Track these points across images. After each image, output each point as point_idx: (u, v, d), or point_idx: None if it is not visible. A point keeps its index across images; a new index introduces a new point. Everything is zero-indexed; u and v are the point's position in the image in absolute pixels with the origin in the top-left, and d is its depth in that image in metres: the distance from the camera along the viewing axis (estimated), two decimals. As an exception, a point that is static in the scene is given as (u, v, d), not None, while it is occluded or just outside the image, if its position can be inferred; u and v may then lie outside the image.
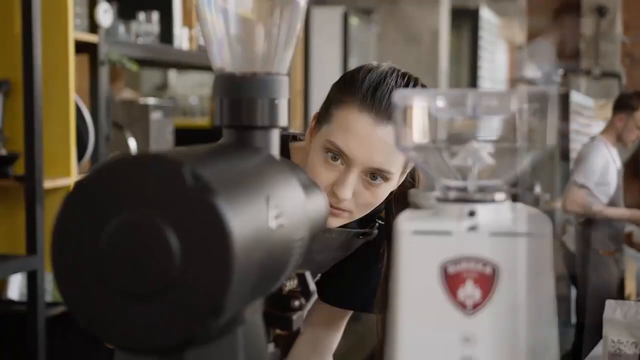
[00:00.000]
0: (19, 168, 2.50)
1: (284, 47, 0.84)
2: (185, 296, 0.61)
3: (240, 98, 0.82)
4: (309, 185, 0.87)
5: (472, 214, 0.69)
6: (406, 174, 1.37)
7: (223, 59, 0.84)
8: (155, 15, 3.20)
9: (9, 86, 2.51)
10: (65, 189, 2.63)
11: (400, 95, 0.72)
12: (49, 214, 2.55)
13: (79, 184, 0.64)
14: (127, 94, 4.05)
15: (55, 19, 2.58)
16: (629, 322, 1.92)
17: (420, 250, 0.68)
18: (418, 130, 0.73)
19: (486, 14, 8.04)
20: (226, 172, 0.67)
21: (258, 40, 0.83)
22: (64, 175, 2.61)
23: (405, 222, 0.69)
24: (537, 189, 6.84)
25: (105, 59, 2.77)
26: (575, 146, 7.78)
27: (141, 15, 3.18)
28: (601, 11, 9.65)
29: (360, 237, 1.46)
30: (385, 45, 5.94)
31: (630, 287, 5.10)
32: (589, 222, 4.46)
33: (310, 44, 4.79)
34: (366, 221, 1.44)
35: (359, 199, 1.30)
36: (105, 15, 2.75)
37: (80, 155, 2.70)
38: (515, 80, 9.54)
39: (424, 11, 5.79)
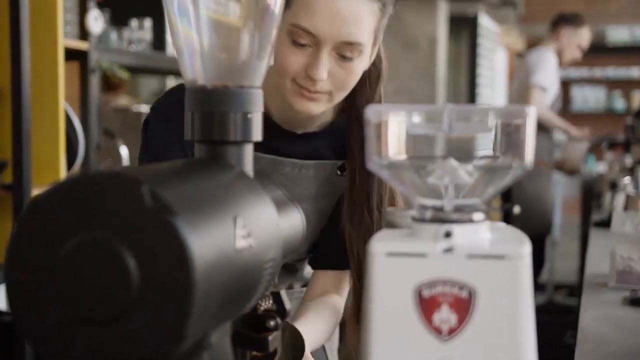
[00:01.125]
0: (6, 176, 2.47)
1: (257, 59, 0.81)
2: (144, 322, 0.58)
3: (212, 112, 0.79)
4: (284, 203, 0.84)
5: (448, 235, 0.66)
6: (377, 47, 1.35)
7: (195, 71, 0.81)
8: (147, 22, 3.17)
9: (-2, 93, 2.48)
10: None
11: (373, 110, 0.69)
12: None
13: (35, 202, 0.61)
14: (123, 100, 4.02)
15: (44, 26, 2.55)
16: None
17: (393, 272, 0.65)
18: (393, 147, 0.70)
19: (485, 22, 8.02)
20: (190, 191, 0.64)
21: (230, 52, 0.81)
22: (53, 183, 2.58)
23: (379, 244, 0.66)
24: None
25: (95, 66, 2.74)
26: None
27: (133, 22, 3.16)
28: None
29: (339, 172, 1.44)
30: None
31: None
32: None
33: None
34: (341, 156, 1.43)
35: (335, 78, 1.27)
36: (95, 22, 2.72)
37: (70, 164, 2.67)
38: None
39: (422, 18, 5.76)
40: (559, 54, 4.57)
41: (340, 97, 1.31)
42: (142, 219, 0.58)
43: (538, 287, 5.15)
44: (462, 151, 0.70)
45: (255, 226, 0.70)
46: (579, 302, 1.71)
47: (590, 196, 4.68)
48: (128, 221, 0.58)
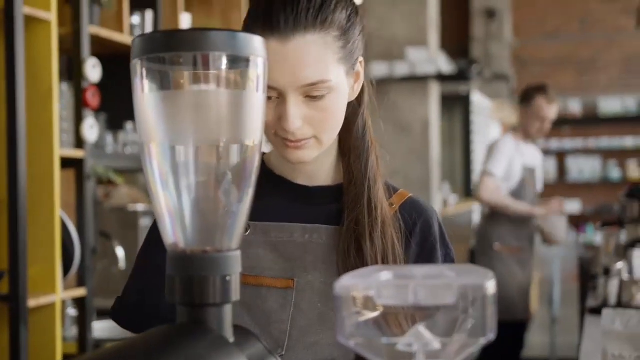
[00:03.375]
0: (3, 287, 2.49)
1: (234, 224, 0.85)
2: None
3: (192, 276, 0.82)
4: (262, 358, 0.86)
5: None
6: (358, 74, 1.28)
7: (175, 235, 0.84)
8: (142, 125, 3.24)
9: (-5, 203, 2.52)
10: (50, 307, 2.62)
11: (341, 286, 0.72)
12: (33, 333, 2.54)
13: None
14: (124, 190, 4.06)
15: (41, 136, 2.61)
16: (632, 332, 1.73)
17: None
18: (362, 318, 0.73)
19: (477, 98, 8.14)
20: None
21: (209, 218, 0.84)
22: (49, 292, 2.60)
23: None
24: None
25: (91, 173, 2.79)
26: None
27: (128, 125, 3.23)
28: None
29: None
30: (375, 135, 5.99)
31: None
32: (491, 215, 4.57)
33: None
34: None
35: (313, 120, 1.20)
36: (91, 130, 2.78)
37: (66, 270, 2.70)
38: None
39: (414, 101, 5.86)
40: (525, 131, 4.62)
41: (328, 137, 1.24)
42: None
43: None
44: (430, 319, 0.73)
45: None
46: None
47: (587, 276, 4.68)
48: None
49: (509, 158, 4.47)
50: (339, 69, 1.21)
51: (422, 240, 1.33)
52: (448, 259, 1.34)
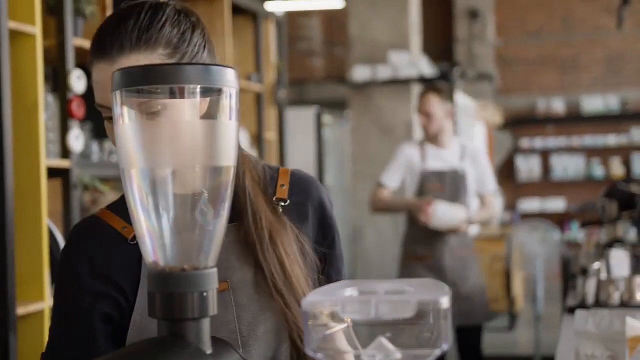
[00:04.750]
0: (-9, 296, 2.53)
1: (211, 242, 0.91)
2: None
3: (172, 293, 0.88)
4: (240, 369, 0.92)
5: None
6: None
7: (155, 254, 0.90)
8: (127, 133, 3.29)
9: (-18, 214, 2.57)
10: (39, 314, 2.67)
11: (308, 302, 0.78)
12: (22, 341, 2.58)
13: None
14: (110, 197, 4.10)
15: (27, 147, 2.65)
16: (603, 333, 1.77)
17: None
18: (328, 331, 0.79)
19: (461, 99, 8.20)
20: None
21: (186, 238, 0.90)
22: (38, 300, 2.65)
23: None
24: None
25: (77, 183, 2.84)
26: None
27: (114, 134, 3.27)
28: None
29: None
30: (359, 137, 6.08)
31: None
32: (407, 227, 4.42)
33: (285, 144, 4.90)
34: None
35: None
36: (77, 141, 2.83)
37: (53, 278, 2.75)
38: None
39: (397, 104, 5.93)
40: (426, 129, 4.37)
41: None
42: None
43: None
44: (391, 332, 0.79)
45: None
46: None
47: (569, 274, 4.74)
48: None
49: (404, 167, 4.35)
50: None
51: (319, 214, 1.39)
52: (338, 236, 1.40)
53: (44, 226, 2.65)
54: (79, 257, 1.30)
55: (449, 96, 4.37)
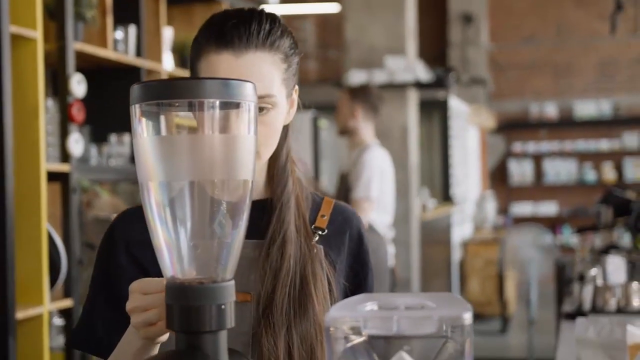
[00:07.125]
0: (-9, 300, 2.53)
1: (228, 255, 0.91)
2: None
3: (189, 305, 0.89)
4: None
5: None
6: (294, 102, 1.34)
7: (173, 268, 0.91)
8: (126, 137, 3.29)
9: (-19, 218, 2.56)
10: (38, 318, 2.66)
11: (330, 318, 0.79)
12: (21, 345, 2.58)
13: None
14: (105, 198, 4.09)
15: (27, 151, 2.65)
16: (604, 341, 1.77)
17: None
18: (349, 345, 0.79)
19: (455, 103, 8.23)
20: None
21: (204, 252, 0.91)
22: (37, 304, 2.64)
23: None
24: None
25: (76, 186, 2.84)
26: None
27: (113, 138, 3.27)
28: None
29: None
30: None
31: None
32: None
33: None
34: None
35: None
36: (76, 144, 2.83)
37: (53, 281, 2.75)
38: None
39: (393, 108, 5.93)
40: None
41: (267, 152, 1.29)
42: None
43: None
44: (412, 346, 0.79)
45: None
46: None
47: (563, 278, 4.74)
48: None
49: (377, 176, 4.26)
50: (282, 90, 1.29)
51: (354, 249, 1.39)
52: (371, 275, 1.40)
53: (44, 230, 2.64)
54: (119, 239, 1.30)
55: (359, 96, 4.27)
